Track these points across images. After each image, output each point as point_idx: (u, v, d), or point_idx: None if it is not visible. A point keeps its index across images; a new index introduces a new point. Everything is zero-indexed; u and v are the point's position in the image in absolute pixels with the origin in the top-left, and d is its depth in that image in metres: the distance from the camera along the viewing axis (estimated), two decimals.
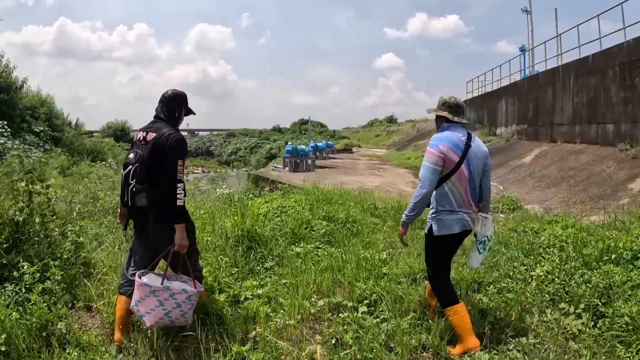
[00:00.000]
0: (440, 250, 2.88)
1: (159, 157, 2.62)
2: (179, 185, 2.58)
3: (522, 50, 21.22)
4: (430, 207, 2.85)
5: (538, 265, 3.98)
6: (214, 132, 68.40)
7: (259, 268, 4.05)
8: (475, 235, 2.97)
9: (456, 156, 2.71)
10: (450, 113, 2.83)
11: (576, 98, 13.08)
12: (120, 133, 38.70)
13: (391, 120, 73.34)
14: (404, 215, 2.83)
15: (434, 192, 2.77)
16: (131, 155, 2.75)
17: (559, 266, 3.81)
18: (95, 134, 36.25)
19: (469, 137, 2.80)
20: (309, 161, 19.71)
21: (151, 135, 2.69)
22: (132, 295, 2.62)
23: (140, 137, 2.77)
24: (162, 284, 2.59)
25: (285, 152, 19.72)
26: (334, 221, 5.37)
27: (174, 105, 2.84)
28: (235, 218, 4.51)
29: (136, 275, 2.63)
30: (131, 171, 2.71)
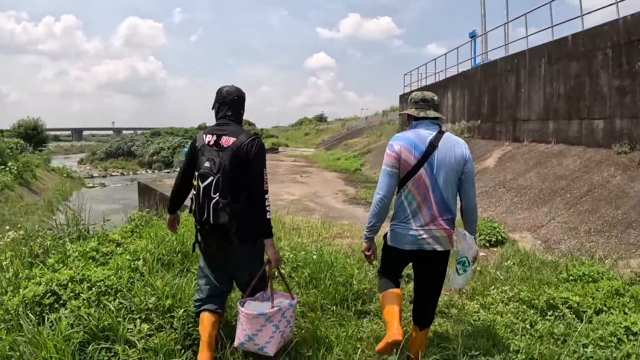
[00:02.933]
0: (389, 258, 2.74)
1: (243, 166, 2.48)
2: (267, 196, 2.52)
3: (473, 36, 19.34)
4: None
5: None
6: (138, 132, 65.80)
7: None
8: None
9: (412, 158, 2.50)
10: (417, 109, 2.66)
11: (549, 88, 11.21)
12: (32, 132, 38.29)
13: (321, 119, 76.62)
14: (365, 229, 2.69)
15: (395, 199, 2.63)
16: (207, 164, 2.50)
17: None
18: (5, 133, 36.76)
19: (437, 137, 2.54)
20: None
21: (229, 141, 2.51)
22: (239, 331, 2.48)
23: (210, 142, 2.56)
24: (273, 306, 2.50)
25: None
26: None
27: (240, 105, 2.71)
28: None
29: (239, 306, 2.51)
30: (213, 183, 2.47)
